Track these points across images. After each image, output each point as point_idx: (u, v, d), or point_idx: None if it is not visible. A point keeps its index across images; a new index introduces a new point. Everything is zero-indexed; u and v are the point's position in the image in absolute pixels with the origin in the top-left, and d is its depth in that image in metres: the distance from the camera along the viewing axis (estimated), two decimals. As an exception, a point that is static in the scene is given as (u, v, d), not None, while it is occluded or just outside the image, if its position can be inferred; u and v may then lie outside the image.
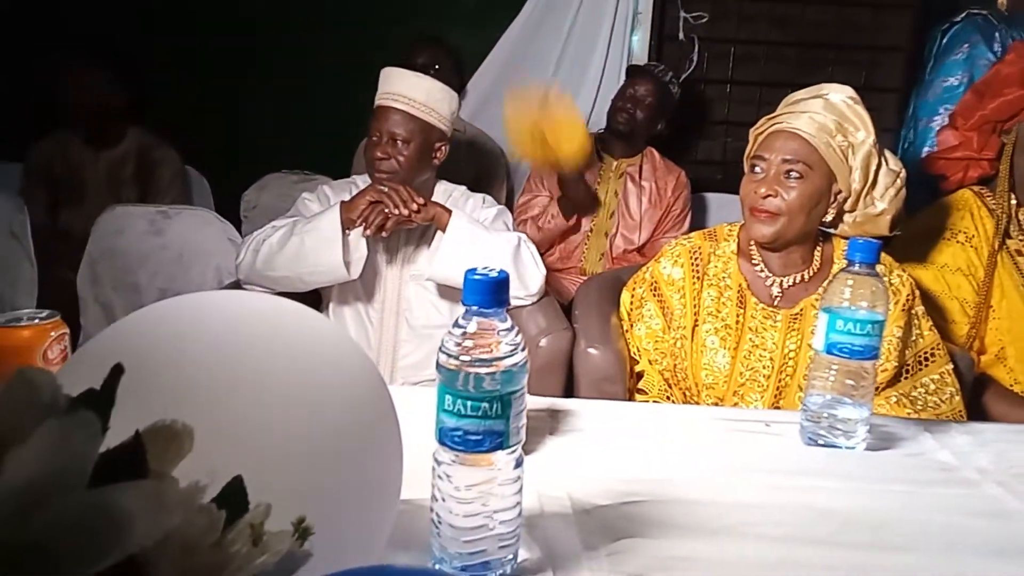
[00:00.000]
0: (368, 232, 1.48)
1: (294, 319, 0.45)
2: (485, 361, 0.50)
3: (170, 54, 2.67)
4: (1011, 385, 1.49)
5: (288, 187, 2.53)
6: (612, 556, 0.58)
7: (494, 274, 0.51)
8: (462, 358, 0.51)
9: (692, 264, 1.40)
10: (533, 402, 0.91)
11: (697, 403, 1.37)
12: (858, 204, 1.33)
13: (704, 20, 2.85)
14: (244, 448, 0.37)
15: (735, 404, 1.34)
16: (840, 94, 1.31)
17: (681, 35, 2.86)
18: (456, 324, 0.53)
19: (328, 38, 2.71)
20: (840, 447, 0.83)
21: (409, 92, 1.62)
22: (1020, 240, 1.54)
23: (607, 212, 2.40)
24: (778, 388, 1.32)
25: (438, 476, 0.53)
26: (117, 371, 0.32)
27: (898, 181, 1.32)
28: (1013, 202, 1.56)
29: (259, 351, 0.41)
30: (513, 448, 0.53)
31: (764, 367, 1.32)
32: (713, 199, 2.73)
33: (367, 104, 1.66)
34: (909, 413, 1.27)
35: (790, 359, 1.31)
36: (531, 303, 1.57)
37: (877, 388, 1.30)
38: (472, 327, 0.52)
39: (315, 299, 1.68)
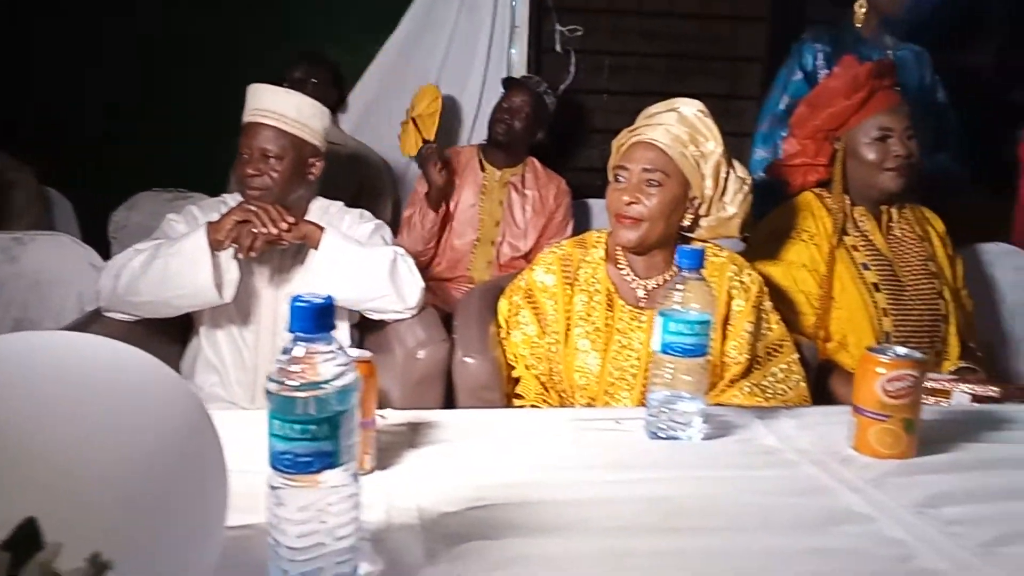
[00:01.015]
0: (240, 254, 1.45)
1: (105, 355, 0.45)
2: (311, 385, 0.52)
3: (30, 71, 2.51)
4: (854, 369, 1.64)
5: (161, 205, 2.43)
6: (453, 561, 0.62)
7: (318, 300, 0.53)
8: (288, 383, 0.53)
9: (563, 271, 1.46)
10: (394, 417, 0.93)
11: (572, 404, 1.43)
12: (711, 209, 1.44)
13: (579, 33, 2.97)
14: (44, 490, 0.37)
15: (606, 403, 1.40)
16: (691, 108, 1.42)
17: (558, 47, 2.96)
18: (284, 350, 0.54)
19: (202, 56, 2.62)
20: (680, 439, 0.90)
21: (279, 108, 1.60)
22: (856, 236, 1.69)
23: (492, 221, 2.45)
24: (645, 385, 1.40)
25: (272, 500, 0.54)
26: None
27: (745, 187, 1.44)
28: (849, 202, 1.71)
29: (63, 392, 0.41)
30: (345, 466, 0.55)
31: (631, 366, 1.40)
32: (595, 204, 2.83)
33: (241, 121, 1.63)
34: (760, 401, 1.37)
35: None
36: (410, 315, 1.59)
37: (732, 380, 1.40)
38: (299, 352, 0.54)
39: (186, 322, 1.63)
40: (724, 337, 1.41)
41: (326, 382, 0.52)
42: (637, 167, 1.38)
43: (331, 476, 0.54)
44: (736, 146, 1.46)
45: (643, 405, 1.39)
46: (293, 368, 0.53)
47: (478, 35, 2.76)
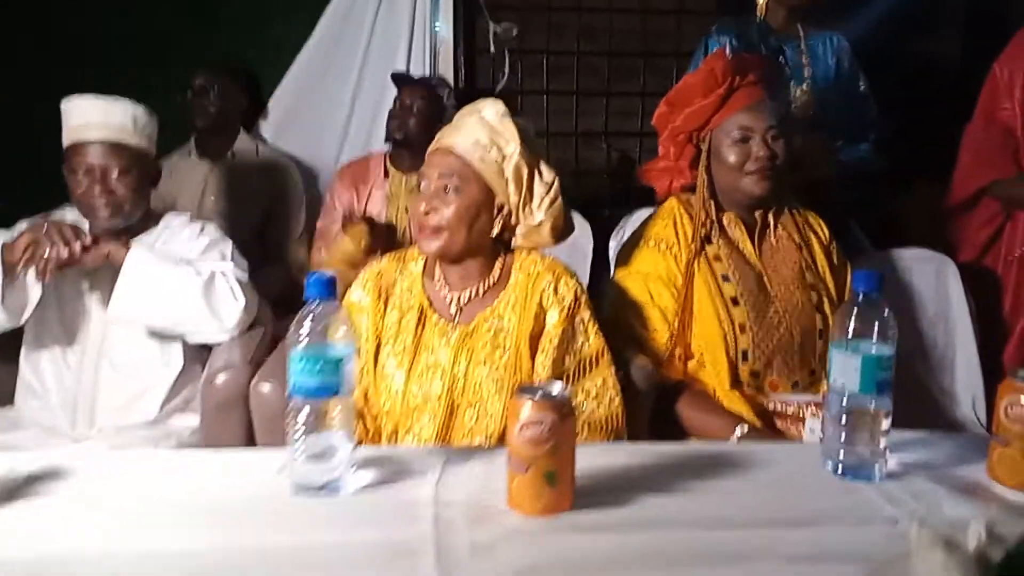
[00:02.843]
0: (38, 278, 1.40)
1: None
2: None
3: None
4: (713, 389, 1.50)
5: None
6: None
7: None
8: None
9: (376, 288, 1.37)
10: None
11: (380, 434, 1.34)
12: (520, 216, 1.33)
13: (514, 32, 2.85)
14: None
15: (407, 432, 1.30)
16: (492, 109, 1.33)
17: (492, 48, 2.86)
18: None
19: (133, 60, 2.58)
20: (322, 491, 0.80)
21: (115, 120, 1.57)
22: (720, 245, 1.55)
23: (399, 228, 2.36)
24: (450, 410, 1.30)
25: None
26: None
27: (551, 192, 1.33)
28: (715, 208, 1.56)
29: None
30: None
31: (435, 388, 1.30)
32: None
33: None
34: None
35: (459, 378, 1.29)
36: (229, 336, 1.50)
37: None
38: None
39: (16, 339, 1.59)
40: (534, 352, 1.30)
41: None
42: (435, 174, 1.31)
43: None
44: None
45: (444, 440, 1.29)
46: None
47: (398, 36, 2.68)
